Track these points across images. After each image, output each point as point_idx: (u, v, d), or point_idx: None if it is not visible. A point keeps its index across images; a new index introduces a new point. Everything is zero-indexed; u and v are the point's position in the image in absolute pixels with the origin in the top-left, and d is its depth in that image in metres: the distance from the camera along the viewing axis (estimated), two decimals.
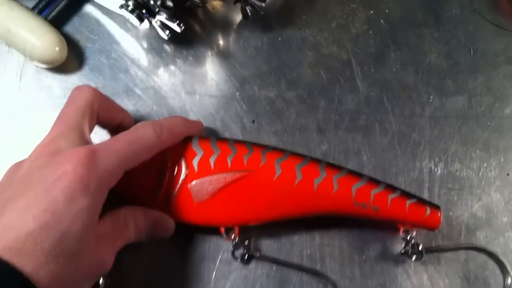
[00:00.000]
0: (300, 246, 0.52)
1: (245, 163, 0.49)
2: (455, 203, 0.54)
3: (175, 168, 0.49)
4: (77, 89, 0.45)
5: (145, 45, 0.58)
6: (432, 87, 0.58)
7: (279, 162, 0.49)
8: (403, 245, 0.51)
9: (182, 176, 0.49)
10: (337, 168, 0.50)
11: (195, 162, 0.49)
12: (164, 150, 0.48)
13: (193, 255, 0.52)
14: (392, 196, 0.48)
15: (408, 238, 0.50)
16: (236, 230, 0.50)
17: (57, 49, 0.53)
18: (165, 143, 0.46)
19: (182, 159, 0.49)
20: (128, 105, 0.55)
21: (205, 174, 0.48)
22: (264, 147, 0.50)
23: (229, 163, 0.49)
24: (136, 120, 0.55)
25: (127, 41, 0.58)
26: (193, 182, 0.48)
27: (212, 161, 0.49)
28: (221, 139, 0.51)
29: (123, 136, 0.43)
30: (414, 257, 0.51)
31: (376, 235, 0.53)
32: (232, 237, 0.50)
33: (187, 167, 0.49)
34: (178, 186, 0.48)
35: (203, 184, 0.48)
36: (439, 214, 0.49)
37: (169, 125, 0.47)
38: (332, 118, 0.56)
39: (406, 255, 0.51)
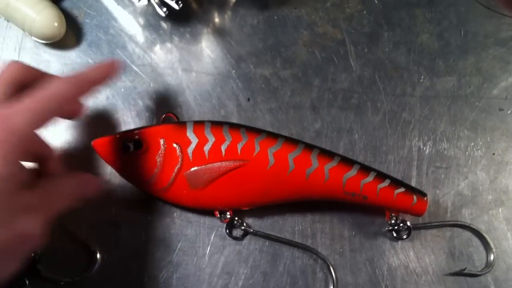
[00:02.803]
0: (292, 223, 0.51)
1: (239, 152, 0.47)
2: (442, 181, 0.53)
3: (171, 156, 0.47)
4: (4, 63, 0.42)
5: (142, 21, 0.55)
6: (423, 67, 0.56)
7: (272, 151, 0.47)
8: (391, 221, 0.50)
9: (178, 165, 0.47)
10: (330, 156, 0.48)
11: (189, 151, 0.47)
12: (159, 137, 0.47)
13: (188, 230, 0.51)
14: (380, 186, 0.47)
15: (393, 222, 0.50)
16: (230, 211, 0.49)
17: (56, 24, 0.51)
18: (78, 93, 0.42)
19: (177, 148, 0.47)
20: (125, 81, 0.53)
21: (200, 163, 0.47)
22: (258, 134, 0.48)
23: (223, 152, 0.47)
24: (134, 97, 0.53)
25: (125, 17, 0.55)
26: (188, 171, 0.47)
27: (206, 150, 0.47)
28: (216, 124, 0.48)
29: (36, 94, 0.39)
30: (401, 234, 0.50)
31: (365, 212, 0.52)
32: (227, 216, 0.49)
33: (182, 156, 0.47)
34: (173, 174, 0.47)
35: (197, 173, 0.47)
36: (425, 203, 0.48)
37: (81, 76, 0.42)
38: (325, 97, 0.55)
39: (393, 232, 0.50)
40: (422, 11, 0.58)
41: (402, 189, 0.48)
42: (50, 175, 0.42)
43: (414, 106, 0.55)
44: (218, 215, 0.49)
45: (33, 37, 0.52)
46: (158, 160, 0.47)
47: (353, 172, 0.47)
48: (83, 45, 0.54)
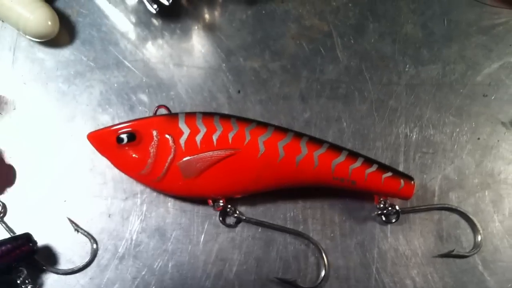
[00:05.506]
0: (284, 209, 0.51)
1: (230, 141, 0.47)
2: (429, 166, 0.53)
3: (164, 147, 0.47)
4: None
5: (133, 19, 0.55)
6: (409, 56, 0.56)
7: (262, 139, 0.47)
8: (380, 205, 0.50)
9: (171, 155, 0.47)
10: (318, 143, 0.48)
11: (182, 141, 0.47)
12: (152, 129, 0.47)
13: (183, 219, 0.50)
14: (368, 170, 0.47)
15: (382, 206, 0.50)
16: (223, 200, 0.49)
17: (49, 23, 0.51)
18: None
19: (170, 138, 0.47)
20: (118, 77, 0.53)
21: (192, 153, 0.47)
22: (249, 123, 0.48)
23: (215, 142, 0.47)
24: (127, 91, 0.53)
25: (117, 15, 0.55)
26: (181, 161, 0.47)
27: (198, 140, 0.47)
28: (207, 115, 0.48)
29: None
30: (390, 218, 0.50)
31: (355, 198, 0.51)
32: (220, 204, 0.49)
33: (174, 146, 0.47)
34: (167, 164, 0.47)
35: (190, 162, 0.47)
36: (412, 186, 0.48)
37: None
38: (314, 87, 0.54)
39: (383, 216, 0.50)
40: (406, 2, 0.58)
41: (389, 174, 0.48)
42: None
43: (400, 94, 0.55)
44: (212, 204, 0.49)
45: (27, 36, 0.52)
46: (152, 151, 0.47)
47: (341, 158, 0.47)
48: (77, 43, 0.54)
